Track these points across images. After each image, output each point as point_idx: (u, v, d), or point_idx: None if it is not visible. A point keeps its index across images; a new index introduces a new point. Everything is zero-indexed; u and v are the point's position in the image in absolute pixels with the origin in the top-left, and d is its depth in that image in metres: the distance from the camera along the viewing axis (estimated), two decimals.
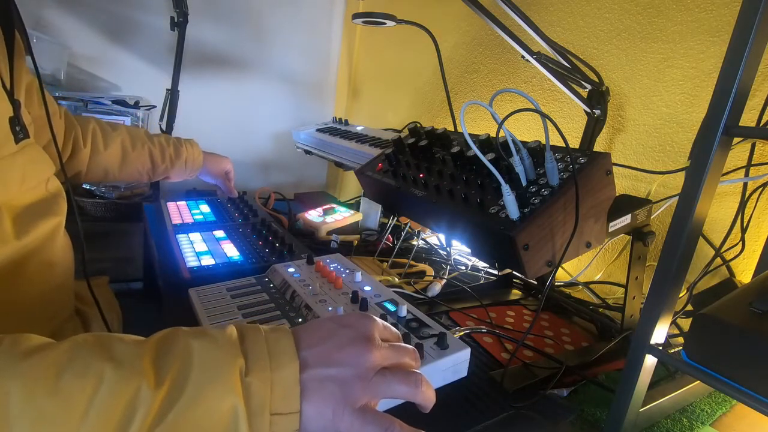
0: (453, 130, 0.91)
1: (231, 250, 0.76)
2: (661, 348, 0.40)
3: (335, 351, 0.36)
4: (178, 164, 0.99)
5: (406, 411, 0.42)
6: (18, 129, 0.47)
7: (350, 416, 0.34)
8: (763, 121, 0.62)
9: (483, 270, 0.89)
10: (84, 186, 1.26)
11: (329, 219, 0.96)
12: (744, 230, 0.65)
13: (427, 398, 0.37)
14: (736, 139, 0.45)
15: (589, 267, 0.86)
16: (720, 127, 0.34)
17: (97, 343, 0.32)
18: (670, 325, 0.41)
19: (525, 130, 1.03)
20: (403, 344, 0.40)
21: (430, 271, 0.83)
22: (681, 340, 0.64)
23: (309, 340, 0.37)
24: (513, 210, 0.53)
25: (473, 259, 0.94)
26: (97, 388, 0.28)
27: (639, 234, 0.59)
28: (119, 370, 0.30)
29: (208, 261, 0.71)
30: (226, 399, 0.31)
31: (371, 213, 1.02)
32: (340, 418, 0.34)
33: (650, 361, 0.40)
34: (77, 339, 0.32)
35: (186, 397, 0.30)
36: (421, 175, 0.69)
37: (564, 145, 0.53)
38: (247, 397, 0.32)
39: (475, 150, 0.54)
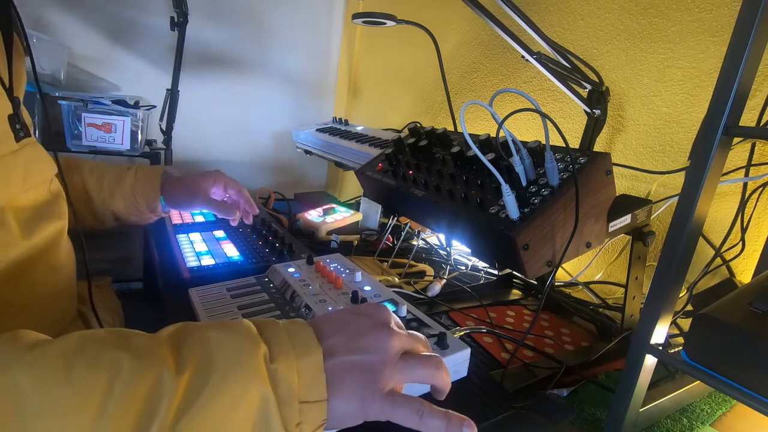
0: (453, 130, 0.91)
1: (231, 250, 0.76)
2: (661, 348, 0.40)
3: (357, 339, 0.36)
4: (118, 194, 0.73)
5: None
6: (18, 127, 0.46)
7: (380, 401, 0.34)
8: (763, 121, 0.62)
9: (483, 270, 0.89)
10: None
11: (329, 219, 0.96)
12: (744, 230, 0.65)
13: (446, 382, 0.38)
14: (736, 139, 0.45)
15: (589, 267, 0.86)
16: (720, 127, 0.34)
17: (108, 336, 0.31)
18: (670, 325, 0.41)
19: (525, 130, 1.03)
20: (415, 332, 0.40)
21: (430, 271, 0.83)
22: (681, 340, 0.64)
23: (328, 329, 0.37)
24: (513, 210, 0.53)
25: (473, 259, 0.94)
26: (115, 377, 0.27)
27: (639, 234, 0.59)
28: (137, 359, 0.29)
29: (208, 261, 0.71)
30: (253, 386, 0.30)
31: (371, 213, 1.02)
32: (370, 404, 0.34)
33: (650, 361, 0.40)
34: (85, 333, 0.31)
35: (212, 385, 0.29)
36: (412, 173, 0.69)
37: (564, 145, 0.53)
38: (275, 384, 0.31)
39: (475, 150, 0.54)
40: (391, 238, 0.95)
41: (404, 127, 1.30)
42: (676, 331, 0.66)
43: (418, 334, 0.40)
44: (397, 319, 0.41)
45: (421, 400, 0.35)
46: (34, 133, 1.13)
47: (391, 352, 0.36)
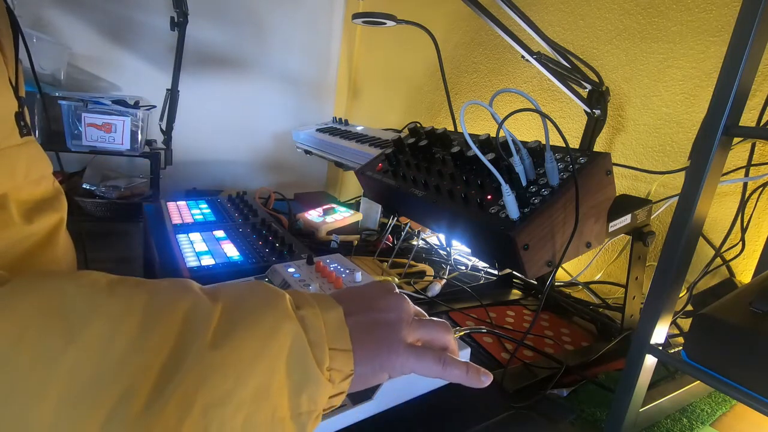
0: (453, 130, 0.91)
1: (231, 250, 0.76)
2: (661, 348, 0.40)
3: (372, 301, 0.38)
4: None
5: (411, 407, 0.42)
6: (23, 124, 0.48)
7: (404, 352, 0.35)
8: (763, 121, 0.62)
9: (483, 270, 0.89)
10: (84, 186, 1.27)
11: (329, 219, 0.96)
12: (744, 230, 0.65)
13: (455, 346, 0.40)
14: (736, 139, 0.45)
15: (589, 267, 0.86)
16: (720, 127, 0.34)
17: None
18: (670, 325, 0.41)
19: (525, 130, 1.03)
20: None
21: (430, 271, 0.83)
22: (681, 340, 0.64)
23: (343, 297, 0.38)
24: (513, 210, 0.53)
25: (473, 259, 0.94)
26: (154, 295, 0.28)
27: (639, 234, 0.59)
28: (174, 285, 0.29)
29: (208, 261, 0.71)
30: (284, 323, 0.30)
31: (371, 213, 1.02)
32: (395, 357, 0.35)
33: (650, 361, 0.40)
34: None
35: (246, 317, 0.29)
36: (412, 173, 0.69)
37: (564, 145, 0.53)
38: (304, 327, 0.31)
39: (475, 150, 0.54)
40: (391, 238, 0.95)
41: (404, 127, 1.30)
42: (676, 331, 0.66)
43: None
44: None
45: (441, 351, 0.37)
46: (34, 133, 1.14)
47: (406, 310, 0.38)
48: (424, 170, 0.70)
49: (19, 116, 0.47)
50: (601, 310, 0.73)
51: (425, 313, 0.42)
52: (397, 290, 0.41)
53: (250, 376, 0.28)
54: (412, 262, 0.84)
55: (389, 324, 0.36)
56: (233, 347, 0.28)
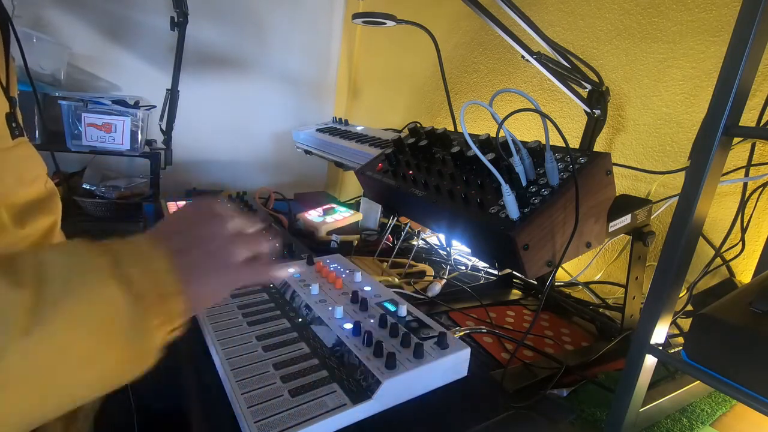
0: (453, 130, 0.91)
1: None
2: (661, 348, 0.40)
3: (196, 230, 0.38)
4: None
5: (411, 407, 0.42)
6: (14, 125, 0.48)
7: (234, 273, 0.38)
8: (763, 121, 0.62)
9: (483, 270, 0.89)
10: (84, 186, 1.27)
11: (329, 219, 0.96)
12: (744, 230, 0.65)
13: (266, 245, 0.42)
14: (736, 139, 0.45)
15: (589, 267, 0.86)
16: (720, 127, 0.34)
17: None
18: (670, 325, 0.41)
19: (525, 130, 1.03)
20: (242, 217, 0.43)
21: (430, 271, 0.83)
22: (681, 340, 0.64)
23: (164, 232, 0.39)
24: (513, 210, 0.53)
25: (473, 259, 0.94)
26: None
27: (639, 234, 0.59)
28: None
29: None
30: (105, 288, 0.30)
31: (371, 213, 1.02)
32: (226, 279, 0.37)
33: (650, 361, 0.40)
34: None
35: (61, 289, 0.29)
36: (412, 173, 0.69)
37: (564, 145, 0.53)
38: (128, 284, 0.31)
39: (475, 150, 0.54)
40: (391, 238, 0.95)
41: (404, 127, 1.30)
42: (676, 331, 0.66)
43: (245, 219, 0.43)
44: (224, 205, 0.43)
45: (260, 257, 0.40)
46: (34, 134, 1.13)
47: (229, 232, 0.39)
48: (424, 170, 0.70)
49: (10, 117, 0.47)
50: (601, 310, 0.73)
51: (246, 223, 0.42)
52: (218, 207, 0.41)
53: (73, 347, 0.29)
54: (412, 262, 0.84)
55: (215, 253, 0.37)
56: (49, 325, 0.27)
